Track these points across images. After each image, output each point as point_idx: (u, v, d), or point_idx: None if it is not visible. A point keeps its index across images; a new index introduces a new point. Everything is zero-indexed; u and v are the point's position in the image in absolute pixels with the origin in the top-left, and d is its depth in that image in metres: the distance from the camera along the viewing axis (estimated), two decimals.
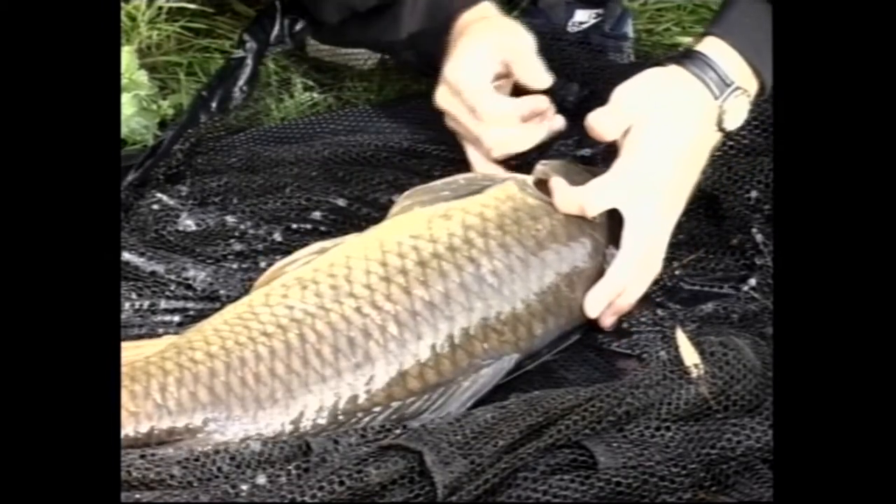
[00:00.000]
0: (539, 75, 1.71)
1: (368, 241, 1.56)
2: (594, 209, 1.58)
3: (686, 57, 1.61)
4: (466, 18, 1.76)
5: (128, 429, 1.39)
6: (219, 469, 1.36)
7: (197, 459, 1.35)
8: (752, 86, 1.61)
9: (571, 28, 2.06)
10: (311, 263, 1.54)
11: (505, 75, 1.72)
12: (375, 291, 1.49)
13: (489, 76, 1.70)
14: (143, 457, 1.36)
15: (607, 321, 1.60)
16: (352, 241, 1.58)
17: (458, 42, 1.72)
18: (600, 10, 2.04)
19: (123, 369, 1.42)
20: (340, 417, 1.44)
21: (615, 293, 1.58)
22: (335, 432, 1.41)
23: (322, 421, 1.44)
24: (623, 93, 1.59)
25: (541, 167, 1.66)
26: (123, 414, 1.39)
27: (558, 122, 1.71)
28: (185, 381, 1.42)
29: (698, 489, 1.39)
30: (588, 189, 1.58)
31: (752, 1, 1.60)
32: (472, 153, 1.73)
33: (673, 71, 1.60)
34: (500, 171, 1.70)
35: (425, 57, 1.82)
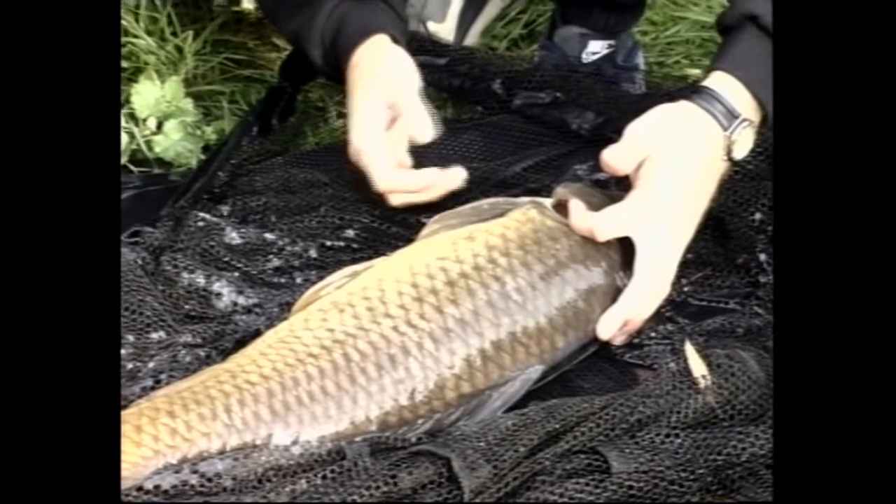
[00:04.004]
0: (422, 128, 1.72)
1: (398, 264, 1.56)
2: (606, 235, 1.57)
3: (695, 92, 1.60)
4: (359, 55, 1.76)
5: (202, 448, 1.39)
6: (264, 477, 1.37)
7: (245, 469, 1.37)
8: (757, 117, 1.61)
9: (585, 58, 2.06)
10: (345, 287, 1.54)
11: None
12: (410, 311, 1.49)
13: (380, 134, 1.72)
14: (194, 471, 1.37)
15: (618, 340, 1.60)
16: (381, 264, 1.58)
17: (350, 90, 1.74)
18: (612, 41, 2.04)
19: (181, 395, 1.43)
20: (387, 429, 1.44)
21: (627, 318, 1.58)
22: (370, 440, 1.41)
23: (370, 433, 1.43)
24: (636, 129, 1.58)
25: (560, 190, 1.66)
26: (196, 435, 1.40)
27: (456, 179, 1.73)
28: (247, 402, 1.42)
29: (705, 493, 1.39)
30: (603, 216, 1.57)
31: (754, 36, 1.59)
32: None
33: (683, 106, 1.60)
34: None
35: (332, 68, 1.83)
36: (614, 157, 1.58)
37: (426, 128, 1.72)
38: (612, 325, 1.57)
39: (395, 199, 1.74)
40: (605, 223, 1.57)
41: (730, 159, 1.61)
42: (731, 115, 1.58)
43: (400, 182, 1.73)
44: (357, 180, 1.78)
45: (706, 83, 1.60)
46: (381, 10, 1.80)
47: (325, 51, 1.80)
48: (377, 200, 1.78)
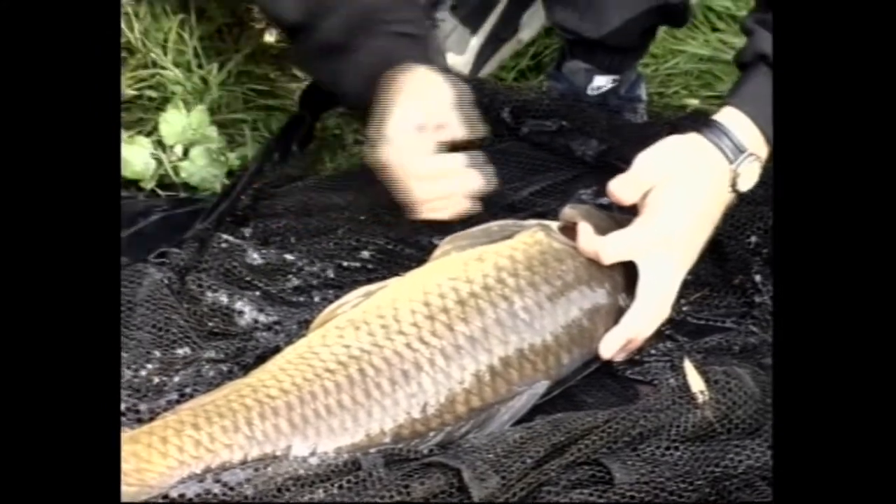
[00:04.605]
0: (468, 127, 1.66)
1: (410, 283, 1.56)
2: (610, 259, 1.57)
3: (705, 125, 1.59)
4: (394, 78, 1.69)
5: (224, 459, 1.39)
6: (283, 487, 1.37)
7: (265, 479, 1.37)
8: (764, 152, 1.60)
9: (590, 92, 2.06)
10: (360, 306, 1.54)
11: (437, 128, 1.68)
12: (422, 329, 1.49)
13: (414, 133, 1.65)
14: (217, 481, 1.37)
15: (619, 358, 1.59)
16: (395, 284, 1.57)
17: (384, 104, 1.67)
18: (617, 77, 2.04)
19: (205, 408, 1.43)
20: (400, 441, 1.44)
21: (628, 338, 1.57)
22: (384, 452, 1.41)
23: (384, 445, 1.43)
24: (643, 161, 1.57)
25: (568, 211, 1.66)
26: (218, 446, 1.40)
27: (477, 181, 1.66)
28: (267, 415, 1.42)
29: (704, 503, 1.38)
30: (608, 240, 1.57)
31: (765, 75, 1.58)
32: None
33: (692, 138, 1.59)
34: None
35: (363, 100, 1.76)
36: (620, 189, 1.57)
37: (465, 130, 1.67)
38: (615, 346, 1.57)
39: (425, 211, 1.67)
40: (611, 247, 1.57)
41: (735, 191, 1.60)
42: (739, 149, 1.58)
43: (430, 168, 1.65)
44: (377, 194, 1.76)
45: (717, 117, 1.60)
46: (416, 45, 1.78)
47: (358, 88, 1.77)
48: (391, 223, 1.78)
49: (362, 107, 1.73)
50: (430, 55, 1.75)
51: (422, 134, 1.64)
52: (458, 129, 1.66)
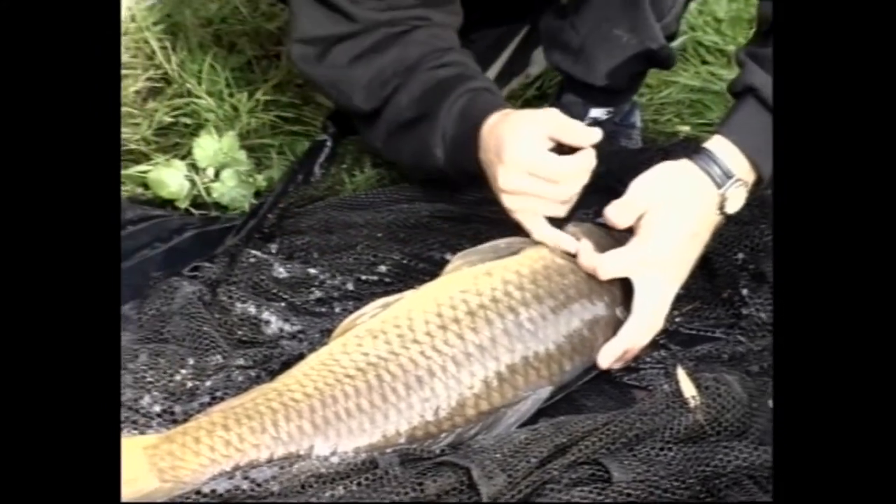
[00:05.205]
0: (587, 134, 1.60)
1: (424, 296, 1.56)
2: (608, 275, 1.57)
3: (696, 152, 1.59)
4: (491, 121, 1.67)
5: (252, 457, 1.39)
6: (306, 483, 1.37)
7: (290, 476, 1.37)
8: (751, 178, 1.59)
9: (587, 122, 2.05)
10: (378, 317, 1.53)
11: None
12: (435, 338, 1.49)
13: (544, 147, 1.60)
14: (246, 478, 1.37)
15: (616, 366, 1.59)
16: (410, 296, 1.57)
17: (500, 134, 1.63)
18: (611, 109, 2.03)
19: (235, 410, 1.43)
20: (414, 442, 1.44)
21: (625, 349, 1.57)
22: (400, 452, 1.41)
23: (400, 445, 1.43)
24: (638, 186, 1.57)
25: (570, 229, 1.65)
26: (247, 446, 1.39)
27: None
28: (292, 417, 1.42)
29: (695, 500, 1.37)
30: (606, 258, 1.57)
31: (753, 106, 1.58)
32: (531, 222, 1.63)
33: (683, 164, 1.58)
34: (559, 233, 1.62)
35: (456, 165, 1.75)
36: (616, 214, 1.57)
37: (592, 132, 1.60)
38: (612, 356, 1.57)
39: (569, 200, 1.61)
40: (608, 265, 1.57)
41: (723, 213, 1.60)
42: (726, 175, 1.57)
43: (569, 164, 1.59)
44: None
45: (707, 145, 1.59)
46: (493, 94, 1.77)
47: (445, 147, 1.75)
48: (406, 240, 1.78)
49: (459, 163, 1.71)
50: (502, 100, 1.75)
51: (532, 177, 1.60)
52: (576, 139, 1.60)
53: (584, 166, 1.60)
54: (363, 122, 1.88)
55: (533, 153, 1.59)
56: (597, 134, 1.60)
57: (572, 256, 1.60)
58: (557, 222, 1.64)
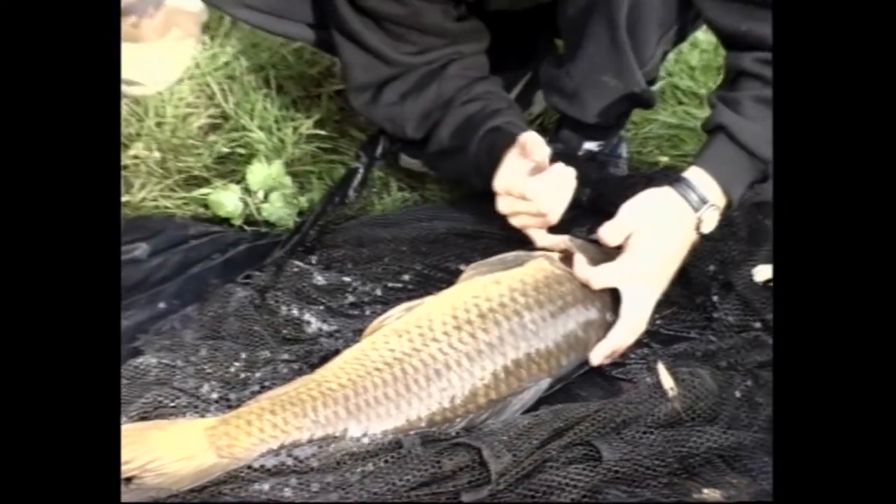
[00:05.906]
0: (540, 148, 1.60)
1: (442, 301, 1.56)
2: (599, 286, 1.57)
3: (676, 181, 1.59)
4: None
5: (295, 438, 1.39)
6: (341, 460, 1.37)
7: (327, 454, 1.38)
8: (722, 202, 1.60)
9: (581, 153, 2.05)
10: (402, 319, 1.53)
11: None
12: (451, 336, 1.49)
13: (521, 172, 1.62)
14: (290, 455, 1.38)
15: (604, 363, 1.58)
16: (430, 301, 1.57)
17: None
18: (601, 142, 2.03)
19: (280, 398, 1.42)
20: (433, 426, 1.44)
21: (613, 349, 1.57)
22: (421, 434, 1.41)
23: (421, 429, 1.43)
24: (626, 210, 1.57)
25: (567, 242, 1.64)
26: (291, 428, 1.39)
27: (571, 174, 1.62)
28: (329, 403, 1.42)
29: (673, 476, 1.37)
30: (598, 270, 1.57)
31: (723, 141, 1.59)
32: (535, 234, 1.66)
33: (665, 191, 1.59)
34: (558, 241, 1.64)
35: (487, 182, 1.74)
36: (608, 234, 1.57)
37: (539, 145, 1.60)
38: (603, 353, 1.56)
39: (554, 210, 1.61)
40: (600, 276, 1.57)
41: (699, 233, 1.60)
42: (702, 200, 1.57)
43: (545, 181, 1.59)
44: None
45: (685, 175, 1.59)
46: (511, 127, 1.76)
47: (482, 177, 1.74)
48: (427, 253, 1.78)
49: (488, 185, 1.71)
50: (521, 125, 1.76)
51: (510, 197, 1.62)
52: (535, 154, 1.60)
53: (550, 185, 1.60)
54: (417, 147, 1.91)
55: (507, 176, 1.63)
56: (546, 149, 1.59)
57: (570, 268, 1.59)
58: (557, 231, 1.65)
